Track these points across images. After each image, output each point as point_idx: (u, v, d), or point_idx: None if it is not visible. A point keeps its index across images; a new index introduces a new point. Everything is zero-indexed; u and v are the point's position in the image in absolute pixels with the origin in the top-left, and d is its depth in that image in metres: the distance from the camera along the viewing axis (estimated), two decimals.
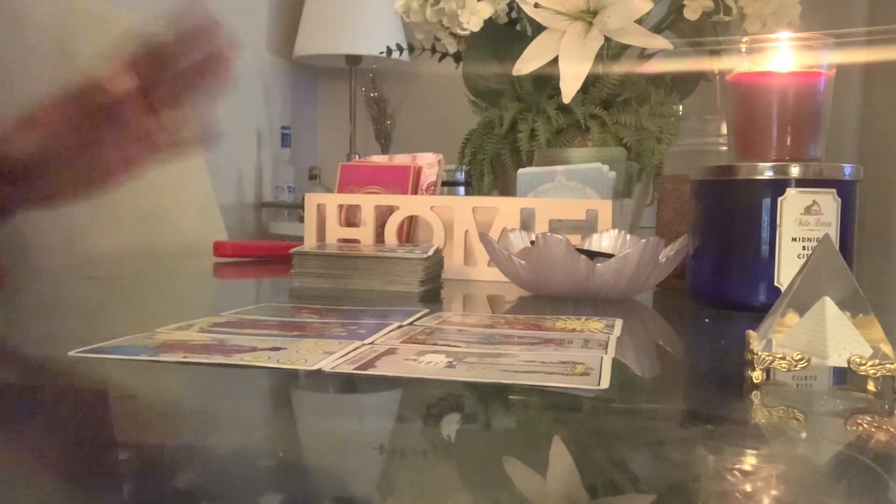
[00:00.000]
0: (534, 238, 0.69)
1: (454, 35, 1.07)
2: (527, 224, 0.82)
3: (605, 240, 0.76)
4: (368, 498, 0.25)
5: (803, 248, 0.59)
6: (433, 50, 1.11)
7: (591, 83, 0.96)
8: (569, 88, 0.91)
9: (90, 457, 0.29)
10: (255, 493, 0.25)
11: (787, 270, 0.59)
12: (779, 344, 0.39)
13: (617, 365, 0.42)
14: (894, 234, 2.06)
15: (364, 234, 0.88)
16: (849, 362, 0.37)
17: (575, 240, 0.73)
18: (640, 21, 0.91)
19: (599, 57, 0.91)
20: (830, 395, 0.39)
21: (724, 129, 0.80)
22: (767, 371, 0.38)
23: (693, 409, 0.38)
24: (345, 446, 0.31)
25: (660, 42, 0.92)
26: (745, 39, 0.66)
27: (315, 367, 0.39)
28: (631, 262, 0.65)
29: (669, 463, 0.28)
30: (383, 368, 0.40)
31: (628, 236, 0.76)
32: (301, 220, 0.84)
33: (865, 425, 0.34)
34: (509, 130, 1.01)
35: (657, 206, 0.83)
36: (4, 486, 0.26)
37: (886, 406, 0.36)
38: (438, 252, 0.78)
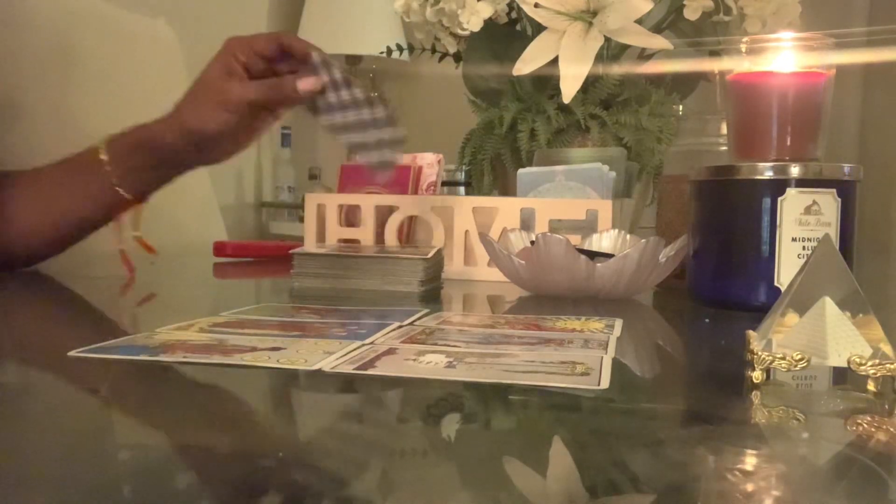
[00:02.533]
0: (534, 238, 0.69)
1: (454, 35, 1.07)
2: (527, 224, 0.82)
3: (605, 240, 0.76)
4: (368, 498, 0.25)
5: (803, 248, 0.59)
6: (433, 50, 1.11)
7: (591, 83, 0.96)
8: (569, 88, 0.91)
9: (90, 457, 0.29)
10: (255, 493, 0.25)
11: (787, 270, 0.59)
12: (779, 344, 0.39)
13: (617, 365, 0.42)
14: (894, 234, 2.06)
15: (364, 234, 0.88)
16: (849, 362, 0.37)
17: (575, 240, 0.73)
18: (640, 21, 0.91)
19: (599, 57, 0.91)
20: (830, 395, 0.39)
21: (724, 129, 0.80)
22: (767, 371, 0.38)
23: (693, 409, 0.38)
24: (345, 446, 0.31)
25: (660, 42, 0.92)
26: (745, 39, 0.66)
27: (315, 367, 0.39)
28: (631, 262, 0.65)
29: (669, 463, 0.28)
30: (383, 368, 0.40)
31: (628, 236, 0.76)
32: (301, 220, 0.84)
33: (865, 425, 0.34)
34: (509, 130, 1.01)
35: (657, 206, 0.83)
36: (5, 487, 0.26)
37: (886, 406, 0.36)
38: (439, 252, 0.78)
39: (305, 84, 0.74)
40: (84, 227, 0.85)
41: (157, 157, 0.79)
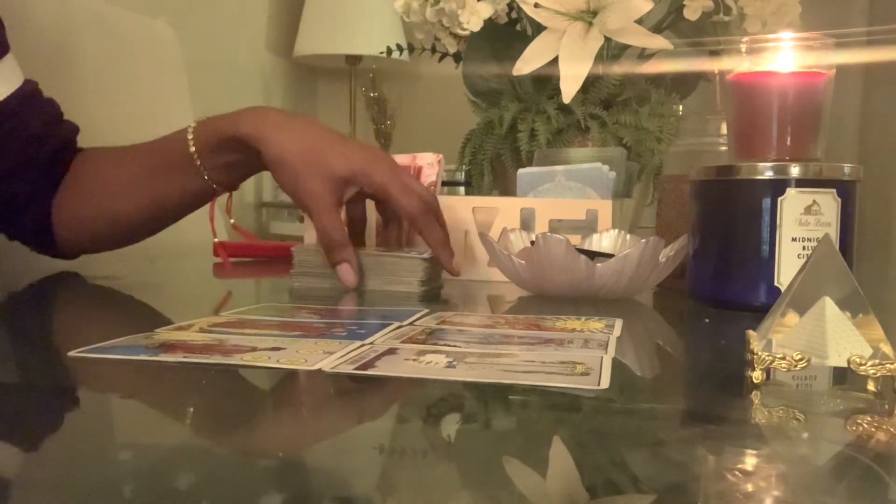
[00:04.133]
0: (534, 238, 0.69)
1: (454, 35, 1.07)
2: (527, 224, 0.82)
3: (605, 240, 0.76)
4: (368, 498, 0.25)
5: (803, 248, 0.59)
6: (433, 50, 1.11)
7: (591, 83, 0.96)
8: (569, 88, 0.91)
9: (90, 457, 0.29)
10: (255, 493, 0.25)
11: (787, 270, 0.59)
12: (779, 344, 0.39)
13: (617, 365, 0.42)
14: (894, 234, 2.06)
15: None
16: (849, 362, 0.37)
17: (575, 240, 0.73)
18: (640, 21, 0.91)
19: (599, 57, 0.91)
20: (830, 395, 0.39)
21: (724, 129, 0.80)
22: (767, 371, 0.38)
23: (693, 409, 0.38)
24: (345, 446, 0.31)
25: (660, 42, 0.92)
26: (745, 39, 0.66)
27: (315, 367, 0.39)
28: (631, 262, 0.65)
29: (669, 463, 0.28)
30: (383, 368, 0.40)
31: (628, 236, 0.76)
32: (301, 220, 0.84)
33: (865, 425, 0.34)
34: (509, 130, 1.00)
35: (657, 206, 0.83)
36: (5, 487, 0.26)
37: (886, 406, 0.36)
38: None
39: (345, 275, 0.72)
40: (173, 216, 0.84)
41: (245, 155, 0.77)
